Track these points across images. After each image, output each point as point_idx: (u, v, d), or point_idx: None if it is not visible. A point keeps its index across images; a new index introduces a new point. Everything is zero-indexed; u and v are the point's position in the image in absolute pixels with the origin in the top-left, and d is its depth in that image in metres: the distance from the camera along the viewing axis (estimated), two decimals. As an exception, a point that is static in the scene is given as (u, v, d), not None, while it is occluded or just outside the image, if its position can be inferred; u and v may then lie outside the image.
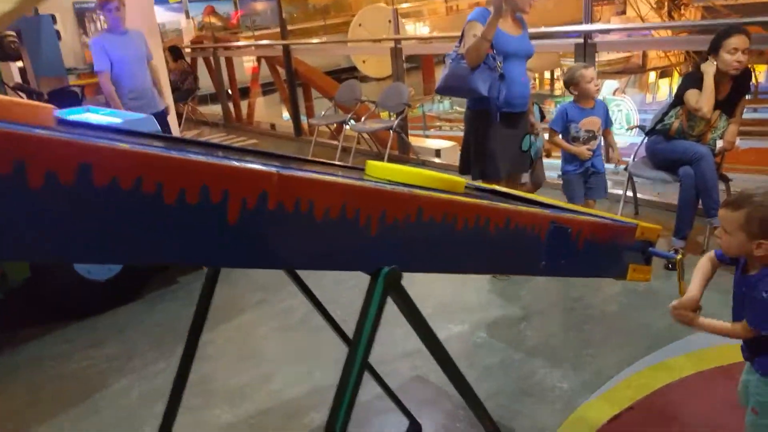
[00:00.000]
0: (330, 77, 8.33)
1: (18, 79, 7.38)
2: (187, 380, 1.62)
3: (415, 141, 6.55)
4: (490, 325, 2.85)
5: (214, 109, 9.96)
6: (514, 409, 2.24)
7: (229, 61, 9.03)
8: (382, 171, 1.39)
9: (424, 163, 5.91)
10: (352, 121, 6.18)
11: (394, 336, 2.80)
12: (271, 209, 0.88)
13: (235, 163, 0.84)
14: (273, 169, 0.88)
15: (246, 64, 11.15)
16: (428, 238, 1.13)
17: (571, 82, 3.31)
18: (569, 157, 3.38)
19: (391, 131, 5.69)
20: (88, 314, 3.14)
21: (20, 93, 7.39)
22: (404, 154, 6.11)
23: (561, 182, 3.50)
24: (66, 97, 7.14)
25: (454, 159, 6.31)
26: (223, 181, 0.82)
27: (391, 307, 1.09)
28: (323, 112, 6.91)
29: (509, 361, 2.55)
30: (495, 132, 3.17)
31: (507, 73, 3.05)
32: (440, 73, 3.27)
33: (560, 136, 3.35)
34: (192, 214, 0.80)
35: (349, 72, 11.52)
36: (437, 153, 6.21)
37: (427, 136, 8.01)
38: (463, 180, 1.52)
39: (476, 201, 1.21)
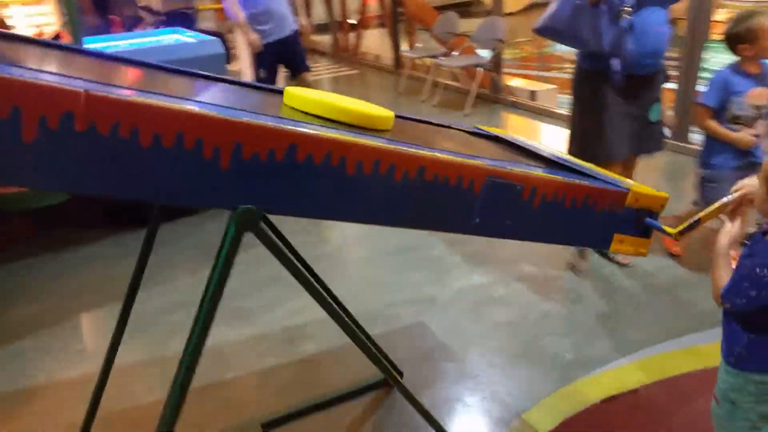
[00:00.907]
0: (441, 10, 7.97)
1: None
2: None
3: (511, 81, 6.14)
4: (515, 280, 2.67)
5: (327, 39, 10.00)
6: (506, 371, 2.11)
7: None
8: (296, 100, 1.29)
9: (514, 105, 5.55)
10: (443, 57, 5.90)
11: (411, 280, 2.74)
12: (79, 130, 0.83)
13: (33, 79, 0.80)
14: (80, 89, 0.82)
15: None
16: (305, 179, 1.02)
17: (745, 37, 2.31)
18: (720, 146, 2.45)
19: (477, 69, 5.36)
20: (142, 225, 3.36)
21: (144, 12, 7.94)
22: (495, 93, 5.76)
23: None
24: (180, 18, 7.53)
25: (553, 102, 5.88)
26: (16, 98, 0.79)
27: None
28: (419, 45, 6.67)
29: (519, 321, 2.38)
30: (614, 101, 2.43)
31: (639, 23, 2.30)
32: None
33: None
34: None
35: (467, 5, 10.93)
36: (532, 95, 5.79)
37: (524, 77, 7.44)
38: (389, 114, 1.38)
39: (376, 143, 1.08)
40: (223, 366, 2.23)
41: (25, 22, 3.43)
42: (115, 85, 0.93)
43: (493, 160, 1.26)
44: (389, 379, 1.26)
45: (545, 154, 1.62)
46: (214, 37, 3.63)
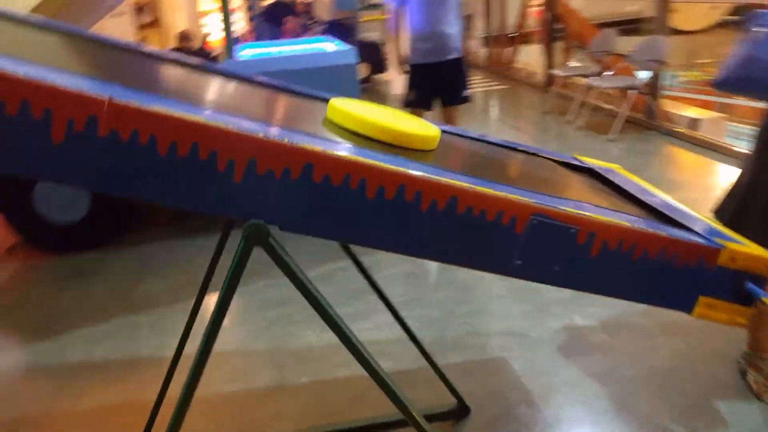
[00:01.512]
0: (605, 28, 7.52)
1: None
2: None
3: (672, 107, 5.58)
4: (622, 328, 2.41)
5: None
6: (588, 428, 1.90)
7: (504, 4, 8.83)
8: (336, 114, 1.27)
9: (670, 133, 5.03)
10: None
11: (504, 311, 2.59)
12: (102, 136, 0.89)
13: (63, 85, 0.87)
14: (105, 96, 0.88)
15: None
16: (321, 200, 1.00)
17: None
18: None
19: (629, 91, 4.95)
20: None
21: (305, 18, 8.54)
22: (649, 119, 5.28)
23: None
24: (338, 28, 7.97)
25: (719, 134, 5.23)
26: (47, 100, 0.87)
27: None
28: (572, 63, 6.34)
29: (616, 375, 2.14)
30: None
31: None
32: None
33: None
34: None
35: (635, 22, 10.18)
36: (694, 124, 5.21)
37: (691, 102, 6.70)
38: (431, 134, 1.30)
39: (399, 168, 1.02)
40: (297, 369, 2.29)
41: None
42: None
43: (547, 197, 1.13)
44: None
45: (646, 199, 1.43)
46: (350, 47, 3.76)
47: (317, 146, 0.98)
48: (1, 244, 3.69)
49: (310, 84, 3.55)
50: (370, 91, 9.17)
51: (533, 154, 1.70)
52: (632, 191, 1.50)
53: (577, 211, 1.12)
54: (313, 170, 0.98)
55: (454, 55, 3.78)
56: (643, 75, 5.18)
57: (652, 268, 1.18)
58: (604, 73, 5.44)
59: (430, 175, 1.04)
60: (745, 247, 1.22)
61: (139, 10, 10.54)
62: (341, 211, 1.02)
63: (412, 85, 3.90)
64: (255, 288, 2.86)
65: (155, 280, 3.11)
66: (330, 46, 4.01)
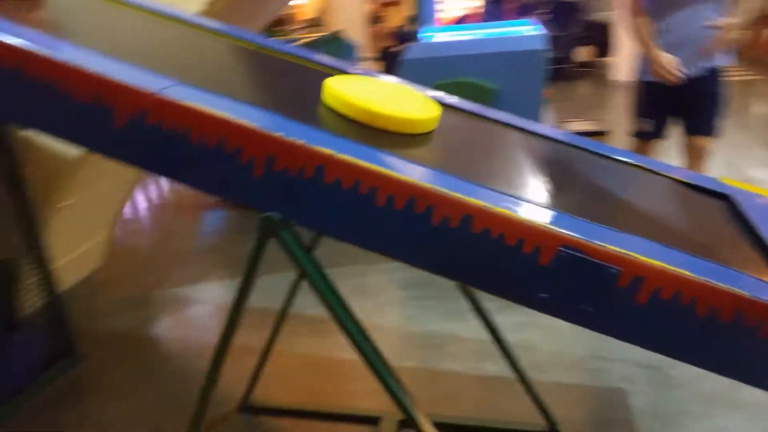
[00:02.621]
0: None
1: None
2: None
3: None
4: None
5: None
6: None
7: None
8: (330, 98, 1.27)
9: None
10: None
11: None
12: (149, 124, 1.04)
13: (120, 78, 1.03)
14: (151, 90, 1.02)
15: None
16: (329, 200, 1.02)
17: None
18: None
19: None
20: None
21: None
22: None
23: None
24: (565, 8, 7.56)
25: None
26: (109, 94, 1.04)
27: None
28: None
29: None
30: None
31: None
32: None
33: None
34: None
35: None
36: None
37: None
38: (428, 116, 1.27)
39: (412, 179, 0.98)
40: (407, 354, 2.35)
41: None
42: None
43: (589, 226, 0.99)
44: None
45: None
46: (540, 34, 3.56)
47: (328, 149, 1.00)
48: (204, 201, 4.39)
49: (492, 70, 3.47)
50: (592, 76, 8.54)
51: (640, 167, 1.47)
52: (762, 229, 1.21)
53: (621, 249, 0.96)
54: (325, 173, 1.01)
55: (709, 67, 2.70)
56: None
57: (723, 332, 0.96)
58: None
59: (442, 189, 0.98)
60: None
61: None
62: (351, 214, 1.03)
63: (646, 108, 2.86)
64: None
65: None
66: (523, 29, 3.85)
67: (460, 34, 3.84)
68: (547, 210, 1.02)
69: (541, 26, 3.96)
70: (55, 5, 1.67)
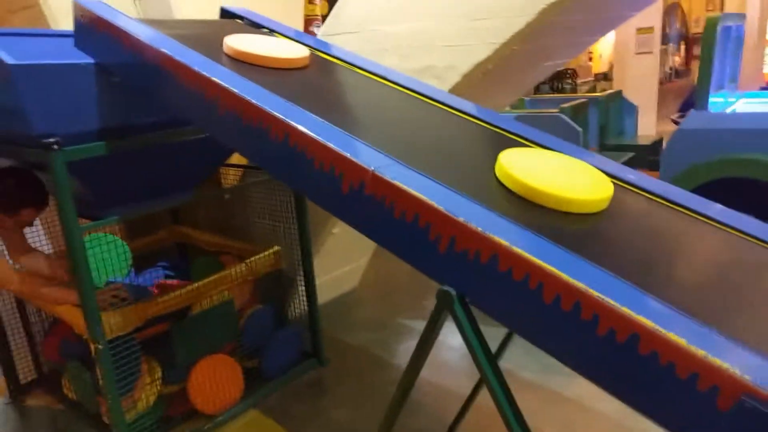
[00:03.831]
0: None
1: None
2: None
3: None
4: None
5: None
6: None
7: None
8: (502, 175, 1.31)
9: None
10: None
11: None
12: (366, 195, 1.23)
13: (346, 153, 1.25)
14: (371, 167, 1.22)
15: None
16: (500, 286, 1.06)
17: None
18: None
19: None
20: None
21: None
22: None
23: None
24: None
25: None
26: (340, 165, 1.26)
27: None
28: None
29: None
30: None
31: None
32: None
33: None
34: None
35: None
36: None
37: None
38: (599, 197, 1.25)
39: (584, 286, 0.96)
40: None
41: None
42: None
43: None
44: None
45: None
46: None
47: (504, 239, 1.05)
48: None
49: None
50: None
51: None
52: None
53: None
54: (499, 260, 1.06)
55: None
56: None
57: None
58: None
59: (610, 300, 0.95)
60: None
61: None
62: (518, 304, 1.06)
63: None
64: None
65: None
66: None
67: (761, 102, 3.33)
68: (731, 343, 0.90)
69: None
70: (312, 70, 1.98)
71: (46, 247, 2.77)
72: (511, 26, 1.93)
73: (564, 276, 0.99)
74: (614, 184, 1.45)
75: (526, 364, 2.75)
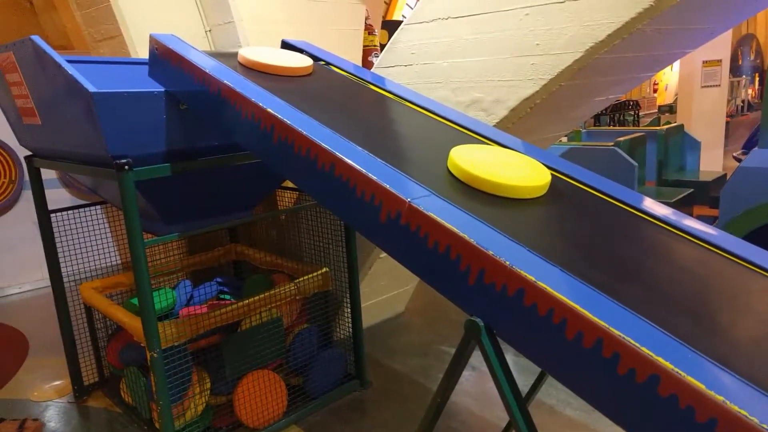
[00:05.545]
0: None
1: None
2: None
3: None
4: None
5: None
6: None
7: None
8: (452, 167, 1.48)
9: None
10: None
11: None
12: (402, 224, 1.30)
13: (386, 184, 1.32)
14: (407, 198, 1.28)
15: None
16: (525, 320, 1.09)
17: None
18: None
19: None
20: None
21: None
22: None
23: None
24: None
25: None
26: (379, 195, 1.33)
27: None
28: None
29: None
30: None
31: None
32: None
33: None
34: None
35: None
36: None
37: None
38: (539, 183, 1.37)
39: (604, 324, 0.97)
40: None
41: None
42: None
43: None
44: None
45: None
46: None
47: (530, 274, 1.09)
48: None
49: None
50: None
51: None
52: None
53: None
54: (525, 295, 1.10)
55: None
56: None
57: None
58: None
59: (631, 341, 0.96)
60: None
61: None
62: (541, 338, 1.08)
63: None
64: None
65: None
66: None
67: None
68: (750, 388, 0.89)
69: None
70: (367, 101, 2.07)
71: (113, 257, 2.97)
72: (559, 63, 1.97)
73: (587, 313, 1.01)
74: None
75: (569, 401, 2.71)
